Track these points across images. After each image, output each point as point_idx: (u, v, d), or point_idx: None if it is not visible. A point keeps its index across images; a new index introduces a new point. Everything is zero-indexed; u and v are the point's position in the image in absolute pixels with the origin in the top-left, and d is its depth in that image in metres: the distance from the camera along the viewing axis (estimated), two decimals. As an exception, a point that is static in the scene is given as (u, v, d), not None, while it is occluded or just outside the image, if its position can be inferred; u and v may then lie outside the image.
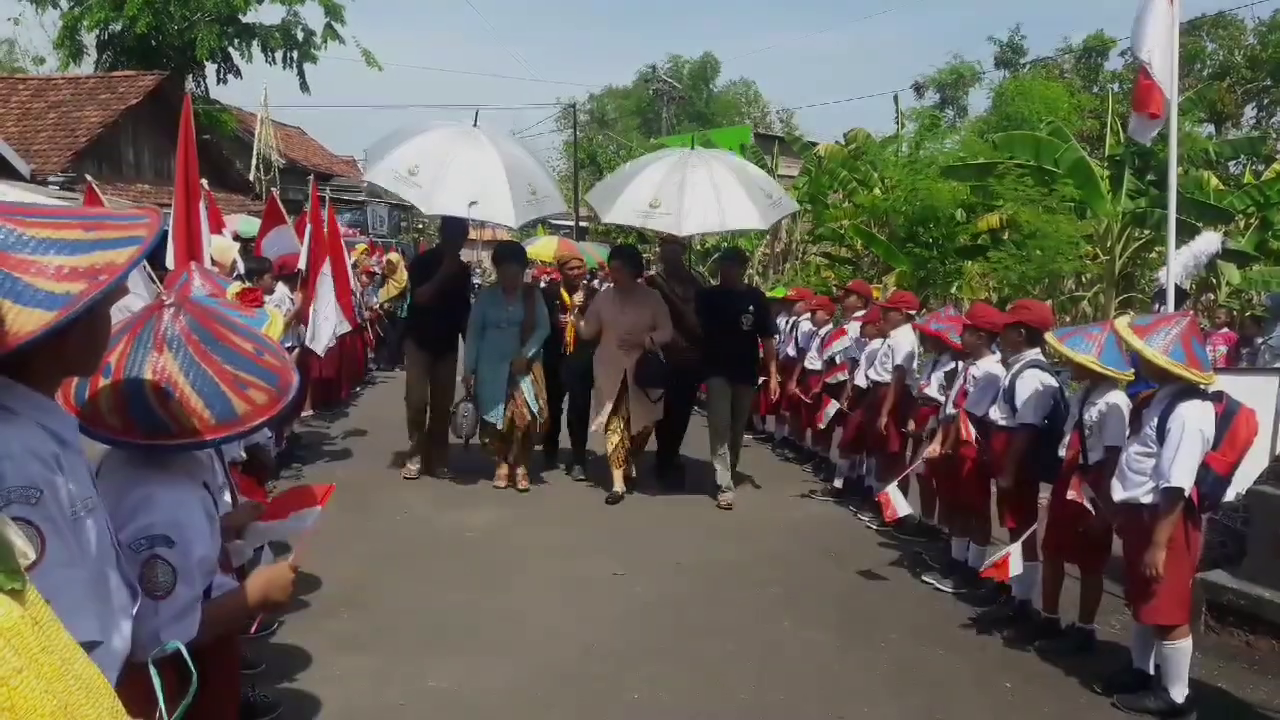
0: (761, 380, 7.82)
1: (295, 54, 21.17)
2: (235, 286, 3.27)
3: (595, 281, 15.54)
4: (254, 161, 18.97)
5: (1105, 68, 36.23)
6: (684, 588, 5.21)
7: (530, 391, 7.01)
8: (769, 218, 7.39)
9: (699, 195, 6.98)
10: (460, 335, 7.47)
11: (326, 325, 8.01)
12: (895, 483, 5.65)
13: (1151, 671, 3.92)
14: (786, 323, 9.08)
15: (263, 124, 19.08)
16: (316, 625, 4.39)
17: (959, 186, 14.74)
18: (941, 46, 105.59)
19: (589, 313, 7.09)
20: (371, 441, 8.62)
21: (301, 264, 8.01)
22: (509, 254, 7.33)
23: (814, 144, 20.68)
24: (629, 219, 7.52)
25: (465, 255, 8.37)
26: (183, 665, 1.55)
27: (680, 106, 49.00)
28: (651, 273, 8.36)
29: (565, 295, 7.74)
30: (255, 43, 20.78)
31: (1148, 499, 3.74)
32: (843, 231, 18.29)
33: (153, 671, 1.37)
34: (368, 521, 6.10)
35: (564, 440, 7.93)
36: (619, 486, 6.99)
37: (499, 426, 6.96)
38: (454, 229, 7.42)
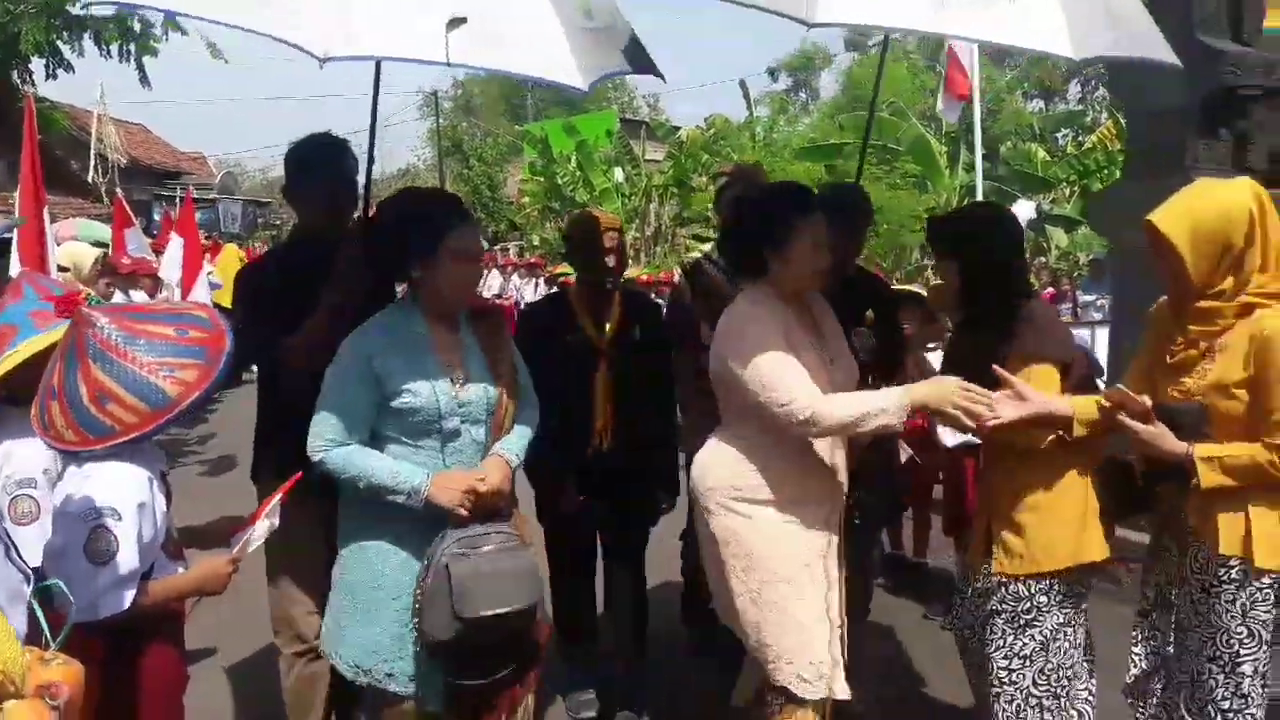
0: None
1: (133, 47, 20.07)
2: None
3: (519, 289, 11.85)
4: (92, 162, 17.99)
5: (945, 48, 38.33)
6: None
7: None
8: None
9: None
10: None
11: None
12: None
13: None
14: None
15: (100, 122, 18.10)
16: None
17: (812, 167, 15.48)
18: (797, 30, 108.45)
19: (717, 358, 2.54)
20: (231, 443, 8.39)
21: (169, 274, 7.76)
22: (449, 209, 2.44)
23: (678, 129, 21.17)
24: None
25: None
26: (116, 634, 1.85)
27: (547, 92, 48.83)
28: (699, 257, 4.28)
29: (585, 316, 3.31)
30: (87, 35, 19.61)
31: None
32: (709, 214, 18.85)
33: (34, 604, 1.51)
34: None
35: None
36: None
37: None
38: (325, 164, 2.82)
